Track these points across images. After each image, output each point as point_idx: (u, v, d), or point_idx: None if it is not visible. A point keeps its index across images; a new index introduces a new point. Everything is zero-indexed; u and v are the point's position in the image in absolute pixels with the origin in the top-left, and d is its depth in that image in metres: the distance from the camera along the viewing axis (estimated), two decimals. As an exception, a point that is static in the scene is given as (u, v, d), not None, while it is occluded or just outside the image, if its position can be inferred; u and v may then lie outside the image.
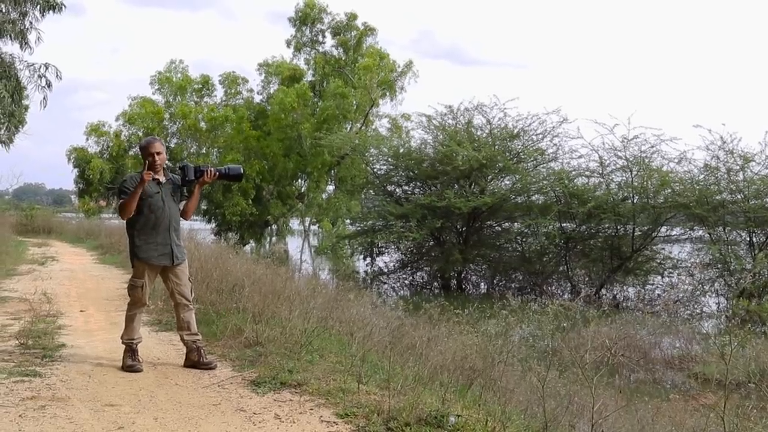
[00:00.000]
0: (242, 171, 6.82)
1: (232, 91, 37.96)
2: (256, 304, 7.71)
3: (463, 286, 25.33)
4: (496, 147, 24.09)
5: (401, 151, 26.40)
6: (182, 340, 6.31)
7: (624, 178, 22.85)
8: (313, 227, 48.04)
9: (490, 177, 24.84)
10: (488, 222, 25.96)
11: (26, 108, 33.67)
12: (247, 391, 5.37)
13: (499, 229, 26.22)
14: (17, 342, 6.96)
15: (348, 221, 34.09)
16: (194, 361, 6.16)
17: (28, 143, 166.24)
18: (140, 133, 36.71)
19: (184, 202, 6.49)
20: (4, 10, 17.46)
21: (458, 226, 25.61)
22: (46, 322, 8.28)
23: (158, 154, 6.20)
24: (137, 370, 6.03)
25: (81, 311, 9.28)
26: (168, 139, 36.72)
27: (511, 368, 7.69)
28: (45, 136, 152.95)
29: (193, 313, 6.37)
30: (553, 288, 24.46)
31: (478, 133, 24.96)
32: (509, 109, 27.60)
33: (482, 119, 25.09)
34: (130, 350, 6.19)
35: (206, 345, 6.60)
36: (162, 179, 6.26)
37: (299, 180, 37.68)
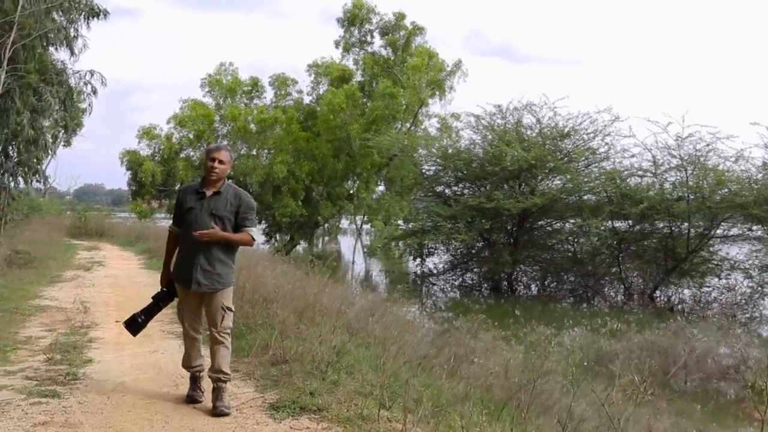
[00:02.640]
0: None
1: (282, 92, 37.96)
2: (287, 317, 7.52)
3: (514, 288, 24.98)
4: (546, 147, 23.70)
5: (450, 151, 26.18)
6: (207, 372, 5.63)
7: (678, 177, 22.30)
8: (365, 226, 47.98)
9: (540, 177, 24.48)
10: (539, 222, 25.58)
11: (83, 111, 34.25)
12: (264, 416, 5.18)
13: (550, 229, 25.82)
14: (45, 357, 6.89)
15: (400, 221, 33.88)
16: (213, 402, 5.41)
17: (87, 145, 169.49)
18: (191, 136, 36.97)
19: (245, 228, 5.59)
20: (55, 18, 17.62)
21: (508, 227, 25.28)
22: (78, 334, 8.23)
23: (220, 162, 5.51)
24: (194, 400, 5.57)
25: (116, 322, 9.20)
26: (218, 140, 36.87)
27: (555, 382, 7.37)
28: (104, 138, 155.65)
29: (224, 348, 5.53)
30: (606, 290, 24.00)
31: (528, 133, 24.63)
32: (559, 108, 27.21)
33: (532, 119, 24.80)
34: (191, 378, 5.73)
35: (233, 361, 6.26)
36: (208, 192, 5.52)
37: (349, 181, 37.50)
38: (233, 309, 5.69)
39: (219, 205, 5.50)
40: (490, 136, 24.99)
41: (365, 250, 43.73)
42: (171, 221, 5.90)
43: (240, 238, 5.57)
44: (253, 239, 5.75)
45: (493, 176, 24.00)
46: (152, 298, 5.77)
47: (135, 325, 5.73)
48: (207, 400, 5.46)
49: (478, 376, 6.89)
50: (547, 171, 24.11)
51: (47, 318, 9.44)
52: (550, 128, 24.30)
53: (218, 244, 5.49)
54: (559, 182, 24.46)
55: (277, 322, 7.52)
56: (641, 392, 4.92)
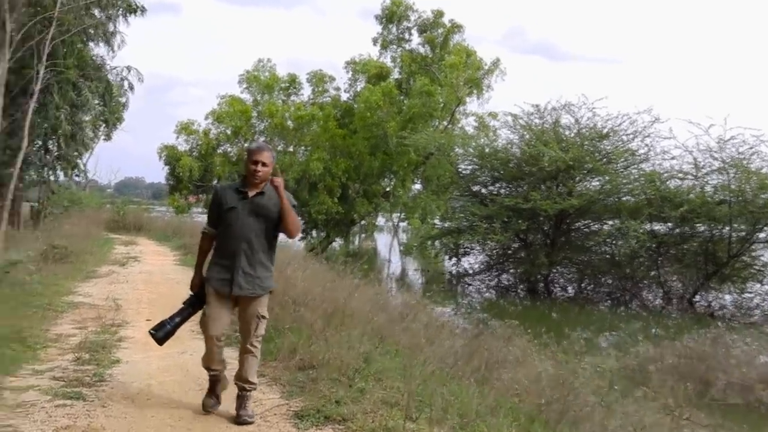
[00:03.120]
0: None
1: (319, 89, 38.05)
2: (315, 321, 7.42)
3: (550, 290, 24.69)
4: (585, 147, 23.37)
5: (487, 150, 25.95)
6: (233, 379, 5.42)
7: (720, 180, 21.83)
8: (401, 224, 47.88)
9: (577, 178, 24.14)
10: (576, 224, 25.24)
11: (123, 106, 34.68)
12: (288, 425, 5.08)
13: (588, 231, 25.45)
14: (73, 356, 6.87)
15: (436, 219, 33.74)
16: (236, 410, 5.26)
17: (127, 139, 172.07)
18: (228, 132, 37.14)
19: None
20: (95, 14, 17.77)
21: (545, 228, 25.00)
22: (108, 333, 8.22)
23: (263, 165, 5.23)
24: (207, 410, 5.38)
25: (147, 320, 9.19)
26: (255, 137, 37.01)
27: (589, 393, 7.18)
28: (144, 132, 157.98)
29: (253, 357, 5.33)
30: (644, 293, 23.63)
31: (566, 133, 24.32)
32: (598, 108, 26.81)
33: (570, 119, 24.48)
34: (210, 381, 5.50)
35: (260, 366, 6.10)
36: (251, 192, 5.27)
37: (385, 178, 37.43)
38: (267, 316, 5.43)
39: (262, 205, 5.28)
40: (527, 136, 24.71)
41: (401, 248, 43.65)
42: (206, 222, 5.52)
43: (296, 216, 5.35)
44: (300, 226, 5.61)
45: (530, 176, 23.75)
46: (183, 303, 5.48)
47: (162, 332, 5.40)
48: (230, 406, 5.36)
49: (509, 385, 6.72)
50: (585, 172, 23.77)
51: (79, 315, 9.45)
52: (588, 129, 23.96)
53: (262, 246, 5.28)
54: (597, 183, 24.10)
55: (305, 326, 7.42)
56: (678, 415, 4.72)
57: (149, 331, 5.46)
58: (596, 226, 25.10)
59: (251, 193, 5.28)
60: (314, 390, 5.76)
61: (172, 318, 5.44)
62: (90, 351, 7.11)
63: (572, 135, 24.11)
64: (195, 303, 5.43)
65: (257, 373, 5.47)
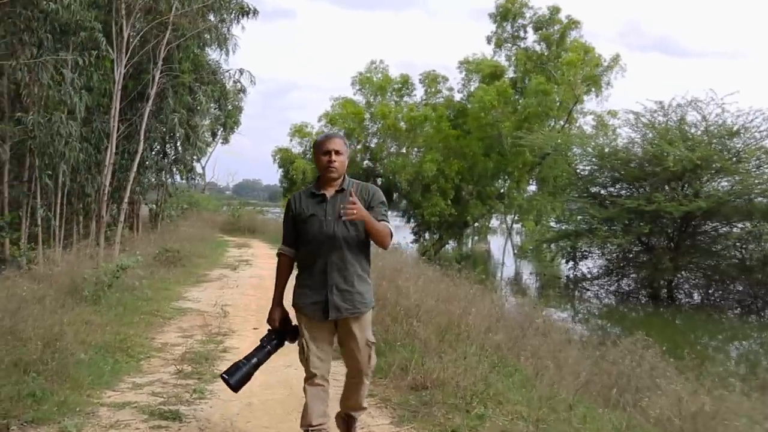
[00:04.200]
0: None
1: (432, 90, 37.57)
2: (428, 337, 6.90)
3: (674, 296, 23.45)
4: (713, 146, 22.04)
5: (606, 150, 24.93)
6: (340, 405, 4.79)
7: None
8: (515, 226, 46.97)
9: (705, 178, 22.82)
10: (703, 226, 23.88)
11: (239, 110, 35.19)
12: (398, 456, 4.60)
13: (715, 234, 24.03)
14: (175, 369, 6.61)
15: (552, 220, 32.79)
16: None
17: (245, 142, 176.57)
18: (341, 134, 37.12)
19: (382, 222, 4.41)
20: (210, 18, 17.86)
21: (668, 231, 23.76)
22: (213, 342, 7.98)
23: (337, 153, 4.43)
24: None
25: (254, 329, 8.92)
26: (368, 138, 36.90)
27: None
28: (261, 135, 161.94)
29: (364, 386, 4.61)
30: (779, 302, 22.13)
31: (692, 131, 23.05)
32: (728, 104, 25.31)
33: (697, 116, 23.16)
34: None
35: (371, 383, 5.18)
36: (329, 193, 4.45)
37: (499, 180, 36.64)
38: (374, 341, 4.60)
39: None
40: (650, 135, 23.56)
41: (515, 250, 42.76)
42: (282, 241, 4.68)
43: (383, 228, 4.37)
44: (391, 234, 4.50)
45: (653, 177, 22.59)
46: (261, 340, 4.64)
47: (237, 376, 4.49)
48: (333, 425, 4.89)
49: (646, 412, 6.02)
50: (713, 172, 22.45)
51: (186, 322, 9.29)
52: (717, 126, 22.61)
53: (355, 255, 4.42)
54: (726, 184, 22.71)
55: (418, 341, 6.91)
56: None
57: (221, 376, 4.56)
58: (725, 228, 23.69)
59: (330, 193, 4.47)
60: (428, 415, 5.27)
61: (248, 358, 4.56)
62: (193, 363, 6.86)
63: (699, 133, 22.83)
64: (275, 341, 4.60)
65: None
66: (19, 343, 5.98)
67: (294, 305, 4.53)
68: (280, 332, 4.59)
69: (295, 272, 4.65)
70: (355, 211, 4.10)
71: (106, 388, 5.89)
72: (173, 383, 6.21)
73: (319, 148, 4.52)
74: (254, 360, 4.54)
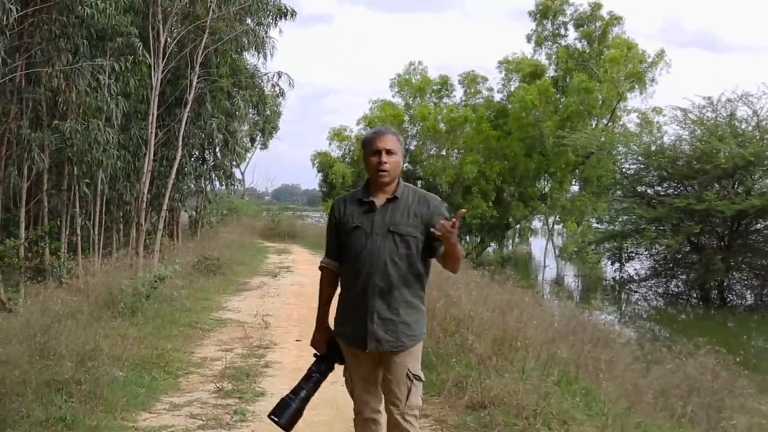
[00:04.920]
0: None
1: (472, 90, 37.11)
2: (483, 350, 6.46)
3: (725, 297, 22.73)
4: (765, 142, 21.30)
5: (653, 148, 24.28)
6: None
7: None
8: (556, 227, 46.34)
9: (757, 175, 22.09)
10: (756, 225, 23.13)
11: (278, 115, 35.08)
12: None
13: (768, 233, 23.29)
14: (215, 386, 6.28)
15: (593, 221, 32.16)
16: None
17: (284, 147, 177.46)
18: (380, 137, 36.87)
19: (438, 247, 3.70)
20: (247, 21, 17.65)
21: (719, 230, 23.04)
22: (255, 357, 7.65)
23: (389, 153, 3.75)
24: None
25: (297, 341, 8.59)
26: (408, 141, 36.55)
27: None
28: (299, 140, 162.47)
29: None
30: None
31: (743, 127, 22.32)
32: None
33: (747, 111, 22.39)
34: None
35: (423, 402, 4.44)
36: (379, 200, 3.78)
37: (541, 181, 36.08)
38: (423, 377, 3.90)
39: (399, 217, 3.74)
40: (699, 131, 22.89)
41: (557, 252, 42.15)
42: (325, 253, 4.09)
43: (459, 253, 3.72)
44: (461, 258, 3.83)
45: (702, 175, 21.89)
46: (308, 370, 4.07)
47: (286, 415, 3.96)
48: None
49: (725, 429, 5.54)
50: (765, 168, 21.72)
51: (226, 334, 8.99)
52: (769, 121, 21.89)
53: (404, 278, 3.72)
54: (781, 181, 21.99)
55: (473, 354, 6.49)
56: None
57: (269, 417, 3.96)
58: (779, 226, 22.97)
59: (380, 201, 3.79)
60: (488, 439, 4.85)
61: (295, 391, 4.00)
62: (233, 380, 6.54)
63: (750, 128, 22.12)
64: (323, 367, 4.04)
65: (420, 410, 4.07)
66: (52, 361, 5.70)
67: (336, 332, 3.98)
68: (327, 356, 4.04)
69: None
70: (449, 235, 3.46)
71: (142, 410, 5.58)
72: (213, 403, 5.88)
73: (368, 147, 3.85)
74: (302, 393, 4.01)
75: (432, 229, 3.54)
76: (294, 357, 7.75)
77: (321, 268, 4.09)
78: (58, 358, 5.78)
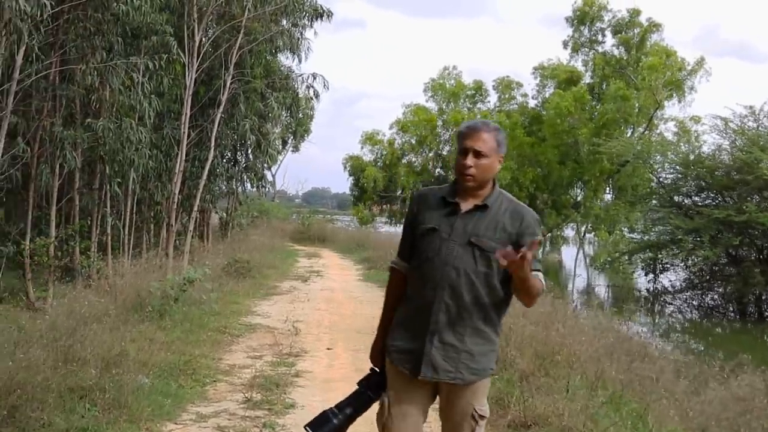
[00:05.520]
0: None
1: (506, 96, 36.95)
2: (526, 366, 6.17)
3: (764, 312, 22.18)
4: (809, 152, 20.76)
5: (691, 157, 23.78)
6: None
7: None
8: (588, 236, 45.87)
9: (799, 187, 21.53)
10: (797, 238, 22.56)
11: (310, 118, 35.04)
12: None
13: (809, 245, 22.70)
14: (243, 396, 6.05)
15: (626, 230, 31.67)
16: None
17: (314, 150, 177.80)
18: (413, 141, 36.70)
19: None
20: (282, 22, 17.51)
21: (758, 242, 22.50)
22: (285, 365, 7.42)
23: (477, 155, 3.13)
24: None
25: (328, 349, 8.35)
26: (441, 146, 36.32)
27: None
28: (330, 143, 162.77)
29: None
30: None
31: (786, 137, 21.78)
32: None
33: (790, 121, 21.88)
34: None
35: None
36: (465, 204, 3.19)
37: (575, 188, 35.68)
38: (487, 415, 3.28)
39: (484, 229, 3.15)
40: (739, 141, 22.37)
41: (587, 261, 41.66)
42: (397, 252, 3.46)
43: (535, 284, 3.07)
44: (542, 290, 3.19)
45: (743, 185, 21.37)
46: (358, 384, 3.42)
47: (325, 427, 3.26)
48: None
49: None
50: (808, 180, 21.17)
51: (255, 340, 8.77)
52: (813, 131, 21.37)
53: (478, 300, 3.11)
54: (822, 193, 21.41)
55: (514, 370, 6.20)
56: None
57: (305, 427, 3.28)
58: (821, 239, 22.37)
59: (467, 205, 3.19)
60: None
61: (340, 407, 3.32)
62: (262, 390, 6.30)
63: (793, 139, 21.60)
64: (376, 383, 3.36)
65: None
66: (76, 366, 5.50)
67: (386, 346, 3.34)
68: (383, 373, 3.36)
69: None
70: (515, 267, 2.87)
71: (167, 420, 5.35)
72: (241, 414, 5.64)
73: (458, 143, 3.27)
74: (348, 410, 3.31)
75: (494, 255, 2.95)
76: (325, 366, 7.51)
77: (391, 268, 3.47)
78: (82, 363, 5.58)
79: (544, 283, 3.15)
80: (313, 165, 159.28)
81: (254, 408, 5.82)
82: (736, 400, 6.55)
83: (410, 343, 3.17)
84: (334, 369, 7.46)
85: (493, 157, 3.18)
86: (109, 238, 12.51)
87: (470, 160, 3.12)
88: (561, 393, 5.51)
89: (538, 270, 3.09)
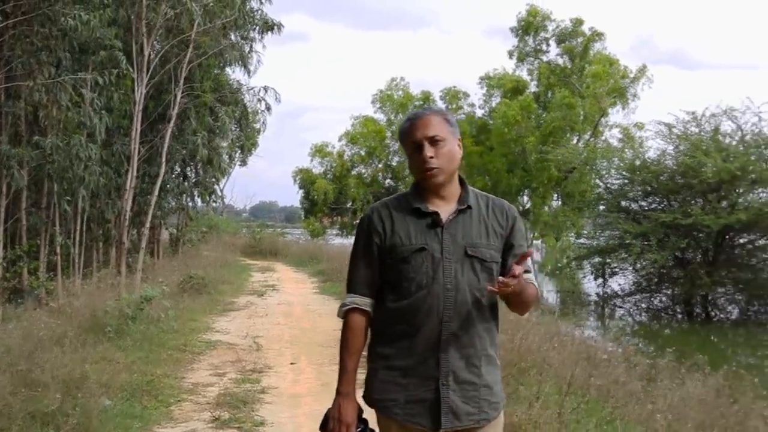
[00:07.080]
0: None
1: (453, 106, 37.11)
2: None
3: (710, 312, 22.61)
4: (750, 156, 21.26)
5: (636, 163, 24.19)
6: None
7: None
8: (535, 242, 46.38)
9: (741, 190, 22.03)
10: (739, 240, 23.07)
11: (258, 131, 34.79)
12: None
13: (751, 247, 23.22)
14: (211, 415, 5.95)
15: (572, 236, 32.09)
16: None
17: (261, 164, 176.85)
18: (362, 153, 36.76)
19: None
20: (230, 35, 17.40)
21: (703, 245, 22.95)
22: (249, 381, 7.32)
23: (433, 142, 2.64)
24: None
25: (291, 364, 8.27)
26: (390, 157, 36.40)
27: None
28: (277, 157, 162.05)
29: None
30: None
31: (727, 141, 22.26)
32: (765, 113, 24.60)
33: (731, 125, 22.37)
34: None
35: None
36: (444, 210, 2.67)
37: (523, 196, 36.04)
38: None
39: (476, 236, 2.67)
40: (683, 146, 22.81)
41: (536, 267, 42.06)
42: (347, 285, 2.81)
43: (533, 292, 2.73)
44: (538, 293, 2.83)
45: (687, 189, 21.80)
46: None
47: None
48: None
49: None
50: (749, 183, 21.66)
51: (217, 357, 8.65)
52: (754, 135, 21.85)
53: (486, 320, 2.66)
54: (764, 195, 21.92)
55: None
56: None
57: None
58: (762, 241, 22.89)
59: (445, 211, 2.67)
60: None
61: None
62: (229, 407, 6.19)
63: (734, 143, 22.08)
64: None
65: None
66: (37, 391, 5.34)
67: (373, 402, 2.73)
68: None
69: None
70: (510, 287, 2.45)
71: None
72: (209, 435, 5.55)
73: (405, 141, 2.74)
74: None
75: (489, 287, 2.51)
76: (290, 382, 7.45)
77: (346, 311, 2.73)
78: (43, 387, 5.42)
79: (536, 284, 2.80)
80: (261, 179, 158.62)
81: (223, 427, 5.73)
82: (698, 400, 6.64)
83: (417, 392, 2.62)
84: (300, 384, 7.39)
85: (451, 140, 2.69)
86: (59, 257, 12.24)
87: (429, 151, 2.62)
88: (532, 401, 5.52)
89: (528, 271, 2.69)
